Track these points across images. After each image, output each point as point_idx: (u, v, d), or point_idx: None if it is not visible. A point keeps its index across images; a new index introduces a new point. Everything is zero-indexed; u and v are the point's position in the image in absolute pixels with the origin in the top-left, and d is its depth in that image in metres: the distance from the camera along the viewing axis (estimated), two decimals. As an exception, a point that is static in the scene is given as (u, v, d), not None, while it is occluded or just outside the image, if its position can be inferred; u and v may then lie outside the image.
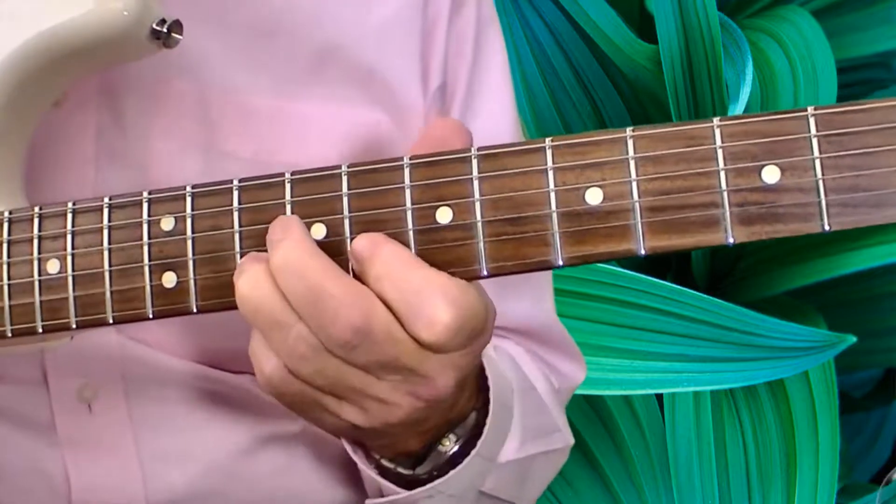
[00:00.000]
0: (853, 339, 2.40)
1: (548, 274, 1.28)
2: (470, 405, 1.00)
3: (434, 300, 0.85)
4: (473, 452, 1.00)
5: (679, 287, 2.38)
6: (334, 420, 0.92)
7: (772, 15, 2.55)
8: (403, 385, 0.89)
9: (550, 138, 0.83)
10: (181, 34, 1.00)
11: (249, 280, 0.87)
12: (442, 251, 0.86)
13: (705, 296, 2.39)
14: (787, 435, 2.45)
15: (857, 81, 2.55)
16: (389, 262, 0.85)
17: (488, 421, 1.00)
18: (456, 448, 1.01)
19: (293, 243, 0.86)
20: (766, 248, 2.54)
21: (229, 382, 1.15)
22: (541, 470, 1.19)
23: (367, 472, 1.02)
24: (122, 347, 1.12)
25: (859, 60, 2.55)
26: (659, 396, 2.41)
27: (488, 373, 1.01)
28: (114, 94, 1.09)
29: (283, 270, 0.86)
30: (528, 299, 1.25)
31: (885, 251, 2.46)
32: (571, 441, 1.24)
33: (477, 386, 1.01)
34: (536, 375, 1.22)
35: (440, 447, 1.00)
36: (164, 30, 0.98)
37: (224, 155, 1.11)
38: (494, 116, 1.22)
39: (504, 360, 1.18)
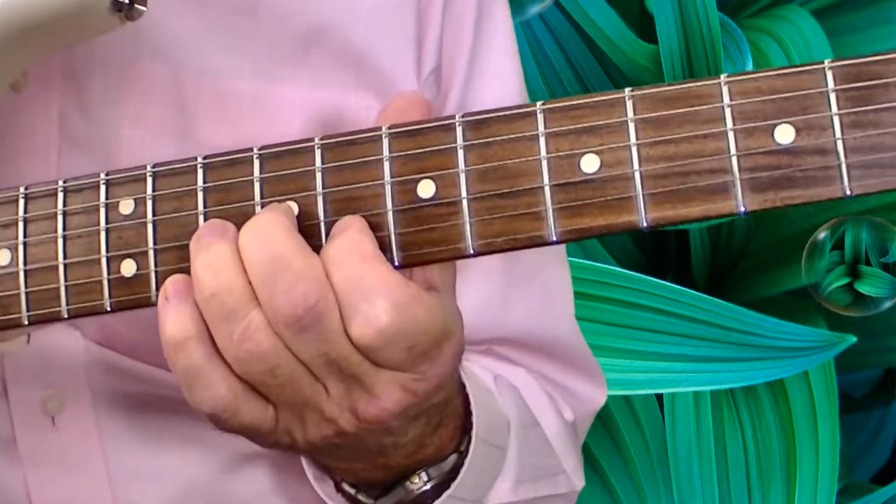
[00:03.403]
0: (853, 339, 2.34)
1: (563, 279, 1.17)
2: (449, 447, 0.92)
3: (374, 298, 0.76)
4: (447, 494, 0.91)
5: (679, 287, 2.32)
6: (269, 433, 0.84)
7: (772, 15, 2.50)
8: (345, 398, 0.81)
9: (542, 102, 0.74)
10: (145, 6, 0.90)
11: (211, 261, 0.79)
12: (425, 229, 0.77)
13: (705, 296, 2.33)
14: (787, 435, 2.40)
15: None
16: (343, 247, 0.77)
17: (465, 465, 0.92)
18: (427, 487, 0.92)
19: (270, 216, 0.78)
20: (767, 249, 2.49)
21: None
22: None
23: (317, 489, 0.94)
24: (88, 354, 1.02)
25: None
26: (659, 396, 2.35)
27: (474, 410, 0.93)
28: (79, 78, 1.00)
29: (250, 235, 0.78)
30: (537, 306, 1.14)
31: (884, 251, 2.38)
32: (579, 486, 1.13)
33: (460, 426, 0.92)
34: (544, 410, 1.11)
35: (409, 483, 0.92)
36: (126, 0, 0.89)
37: (200, 143, 1.01)
38: (499, 102, 1.10)
39: (505, 393, 1.07)
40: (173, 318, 0.80)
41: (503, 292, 1.10)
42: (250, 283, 0.78)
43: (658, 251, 2.50)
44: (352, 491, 0.94)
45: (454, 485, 0.92)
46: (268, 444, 0.86)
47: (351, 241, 0.77)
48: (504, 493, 1.02)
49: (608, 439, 2.35)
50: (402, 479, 0.92)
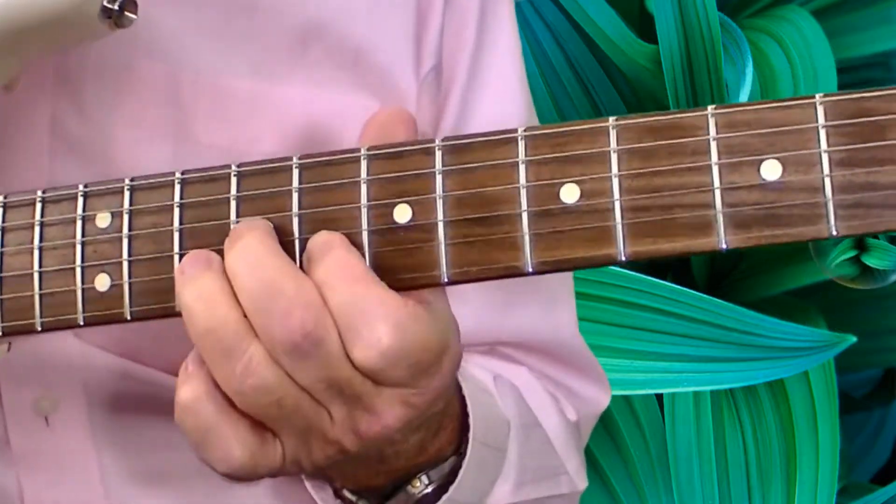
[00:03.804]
0: (853, 339, 2.32)
1: (565, 283, 1.15)
2: (449, 449, 0.90)
3: (374, 322, 0.74)
4: (445, 497, 0.89)
5: (679, 287, 2.31)
6: (277, 464, 0.82)
7: (772, 15, 2.49)
8: (347, 420, 0.79)
9: (524, 128, 0.72)
10: (135, 13, 0.88)
11: (202, 294, 0.76)
12: (399, 254, 0.75)
13: (705, 296, 2.32)
14: (787, 435, 2.39)
15: (857, 81, 2.48)
16: (334, 270, 0.75)
17: (463, 467, 0.90)
18: (428, 490, 0.90)
19: (256, 238, 0.76)
20: (768, 249, 2.44)
21: None
22: None
23: (315, 497, 0.92)
24: (82, 355, 0.99)
25: (859, 60, 2.50)
26: (659, 396, 2.34)
27: (470, 413, 0.91)
28: (72, 78, 0.97)
29: (237, 264, 0.76)
30: (538, 310, 1.11)
31: (884, 251, 2.38)
32: (581, 486, 1.11)
33: (458, 427, 0.90)
34: (546, 410, 1.09)
35: (410, 488, 0.90)
36: (116, 7, 0.88)
37: (197, 143, 0.99)
38: (501, 102, 1.08)
39: (505, 394, 1.05)
40: (185, 384, 0.79)
41: (505, 296, 1.08)
42: (244, 314, 0.77)
43: (658, 251, 2.49)
44: (353, 498, 0.92)
45: (452, 487, 0.90)
46: (273, 475, 0.84)
47: (340, 262, 0.76)
48: (505, 494, 1.01)
49: (608, 439, 2.33)
50: (404, 483, 0.90)
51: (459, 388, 0.93)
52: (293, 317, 0.75)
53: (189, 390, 0.79)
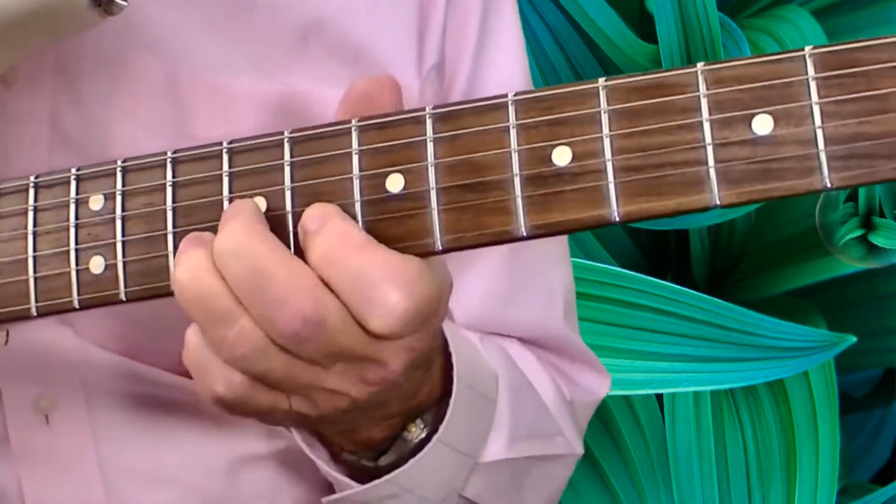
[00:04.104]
0: (853, 339, 2.34)
1: (563, 281, 1.14)
2: (439, 391, 0.89)
3: (384, 287, 0.73)
4: (436, 438, 0.88)
5: (679, 287, 2.32)
6: (281, 416, 0.81)
7: (772, 15, 2.48)
8: (353, 371, 0.78)
9: (514, 92, 0.71)
10: (126, 0, 0.87)
11: (189, 267, 0.76)
12: (393, 223, 0.74)
13: (705, 296, 2.33)
14: (787, 435, 2.39)
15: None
16: (334, 242, 0.74)
17: (451, 402, 0.89)
18: (423, 435, 0.89)
19: (240, 224, 0.75)
20: (767, 249, 2.47)
21: None
22: (539, 480, 1.06)
23: (320, 465, 0.91)
24: (81, 352, 0.99)
25: None
26: (659, 396, 2.34)
27: (453, 351, 0.90)
28: (70, 73, 0.97)
29: (224, 252, 0.75)
30: (537, 307, 1.11)
31: (885, 251, 2.39)
32: (579, 450, 1.10)
33: (445, 365, 0.90)
34: (538, 375, 1.08)
35: (406, 433, 0.89)
36: None
37: (194, 138, 0.95)
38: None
39: (493, 352, 1.04)
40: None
41: (505, 290, 1.08)
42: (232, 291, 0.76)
43: (658, 251, 2.49)
44: (353, 458, 0.91)
45: (442, 427, 0.89)
46: (278, 424, 0.84)
47: (338, 232, 0.75)
48: (499, 450, 0.99)
49: (608, 439, 2.33)
50: (401, 432, 0.90)
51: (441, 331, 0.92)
52: (288, 305, 0.74)
53: (190, 330, 0.78)
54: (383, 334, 0.75)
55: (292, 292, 0.74)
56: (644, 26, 2.41)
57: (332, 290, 0.74)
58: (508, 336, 1.09)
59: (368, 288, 0.74)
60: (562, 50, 2.40)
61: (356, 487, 0.90)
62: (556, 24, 2.38)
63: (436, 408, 0.90)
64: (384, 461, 0.90)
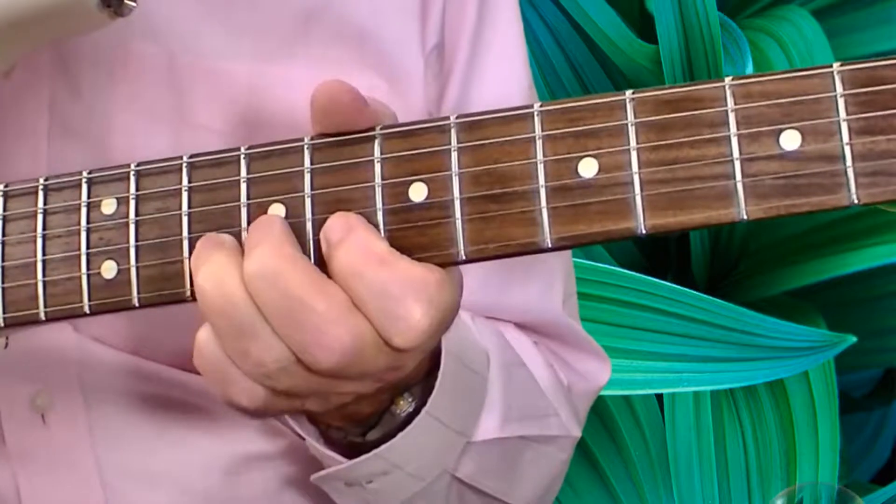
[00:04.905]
0: (853, 339, 2.31)
1: (563, 267, 1.14)
2: (428, 364, 0.89)
3: (408, 303, 0.73)
4: (424, 410, 0.88)
5: (679, 287, 2.29)
6: (291, 413, 0.84)
7: (772, 15, 2.48)
8: (372, 378, 0.79)
9: (540, 103, 0.71)
10: (135, 1, 0.87)
11: (213, 275, 0.75)
12: (415, 232, 0.74)
13: (705, 296, 2.31)
14: (787, 435, 2.38)
15: (856, 82, 2.46)
16: (357, 255, 0.74)
17: (439, 374, 0.88)
18: (411, 409, 0.89)
19: (271, 248, 0.74)
20: (767, 249, 2.47)
21: (209, 393, 1.01)
22: (534, 462, 1.05)
23: (309, 441, 0.90)
24: (80, 349, 0.98)
25: (859, 60, 2.46)
26: (659, 396, 2.33)
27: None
28: (69, 61, 0.96)
29: (256, 277, 0.74)
30: (536, 292, 1.10)
31: (885, 251, 2.38)
32: (575, 433, 1.09)
33: (434, 349, 0.89)
34: (532, 356, 1.07)
35: (394, 407, 0.89)
36: None
37: (196, 127, 0.97)
38: (503, 80, 1.07)
39: (485, 331, 1.03)
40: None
41: (504, 274, 1.07)
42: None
43: (658, 251, 2.49)
44: (341, 435, 0.90)
45: (430, 399, 0.89)
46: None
47: (362, 245, 0.74)
48: (491, 429, 0.99)
49: (608, 439, 2.33)
50: (389, 406, 0.89)
51: None
52: (329, 336, 0.74)
53: (204, 332, 0.78)
54: (407, 349, 0.75)
55: (329, 322, 0.74)
56: (644, 26, 2.41)
57: (357, 307, 0.74)
58: (507, 322, 1.09)
59: (392, 304, 0.74)
60: (562, 50, 2.40)
61: (343, 463, 0.90)
62: (556, 25, 2.38)
63: (424, 382, 0.89)
64: (372, 436, 0.89)
